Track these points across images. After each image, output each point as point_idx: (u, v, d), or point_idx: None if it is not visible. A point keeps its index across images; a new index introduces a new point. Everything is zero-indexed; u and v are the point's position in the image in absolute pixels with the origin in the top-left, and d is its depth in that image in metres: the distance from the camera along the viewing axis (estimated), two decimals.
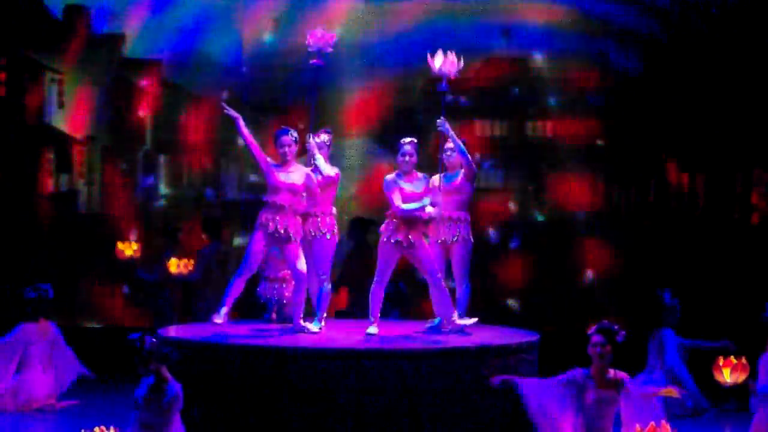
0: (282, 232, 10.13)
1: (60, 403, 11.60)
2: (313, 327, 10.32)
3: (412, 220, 10.07)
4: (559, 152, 15.95)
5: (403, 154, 10.20)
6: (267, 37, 15.84)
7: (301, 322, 10.27)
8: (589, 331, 8.23)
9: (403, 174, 10.21)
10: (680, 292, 12.23)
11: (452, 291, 10.50)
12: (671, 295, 12.03)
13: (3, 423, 11.00)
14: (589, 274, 15.41)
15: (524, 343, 9.85)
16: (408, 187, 10.16)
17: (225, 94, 15.28)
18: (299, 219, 10.28)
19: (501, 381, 8.41)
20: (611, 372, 8.17)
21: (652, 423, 8.09)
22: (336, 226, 10.67)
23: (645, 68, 15.79)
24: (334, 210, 10.70)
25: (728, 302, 14.30)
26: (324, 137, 10.73)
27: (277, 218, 10.14)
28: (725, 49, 15.35)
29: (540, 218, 15.90)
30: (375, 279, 10.23)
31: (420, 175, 10.28)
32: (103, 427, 8.40)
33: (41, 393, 11.54)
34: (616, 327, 8.22)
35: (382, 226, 10.22)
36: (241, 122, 10.21)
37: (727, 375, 11.42)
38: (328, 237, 10.55)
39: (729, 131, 15.35)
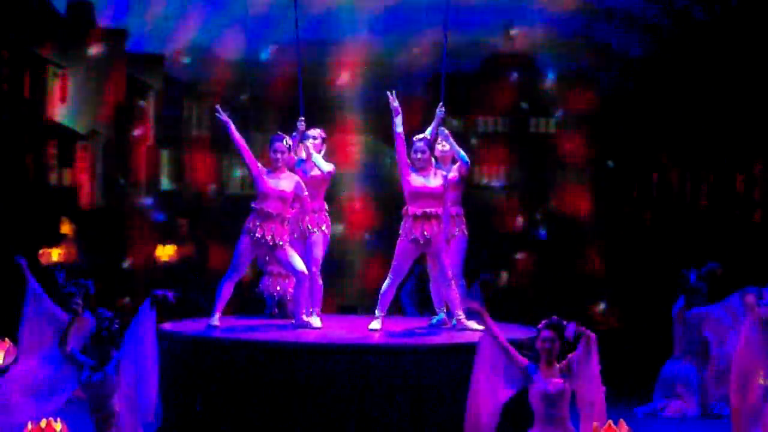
0: (268, 239, 10.08)
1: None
2: (315, 322, 10.33)
3: (427, 218, 10.05)
4: (562, 150, 16.00)
5: (416, 151, 10.15)
6: None
7: (304, 317, 10.27)
8: (539, 326, 8.29)
9: (417, 170, 10.18)
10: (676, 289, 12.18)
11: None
12: (696, 276, 11.91)
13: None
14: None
15: (526, 339, 9.85)
16: (419, 180, 10.14)
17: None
18: (287, 227, 10.22)
19: (475, 311, 8.53)
20: (557, 364, 8.25)
21: (610, 421, 8.10)
22: (330, 222, 10.72)
23: (645, 67, 15.82)
24: (326, 206, 10.74)
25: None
26: (317, 131, 10.74)
27: (265, 225, 10.08)
28: (727, 45, 15.36)
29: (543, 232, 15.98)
30: (389, 276, 10.19)
31: (437, 171, 10.21)
32: (51, 419, 8.34)
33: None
34: (564, 323, 8.27)
35: (401, 225, 10.19)
36: (232, 126, 10.13)
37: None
38: (325, 231, 10.64)
39: (730, 128, 15.37)
